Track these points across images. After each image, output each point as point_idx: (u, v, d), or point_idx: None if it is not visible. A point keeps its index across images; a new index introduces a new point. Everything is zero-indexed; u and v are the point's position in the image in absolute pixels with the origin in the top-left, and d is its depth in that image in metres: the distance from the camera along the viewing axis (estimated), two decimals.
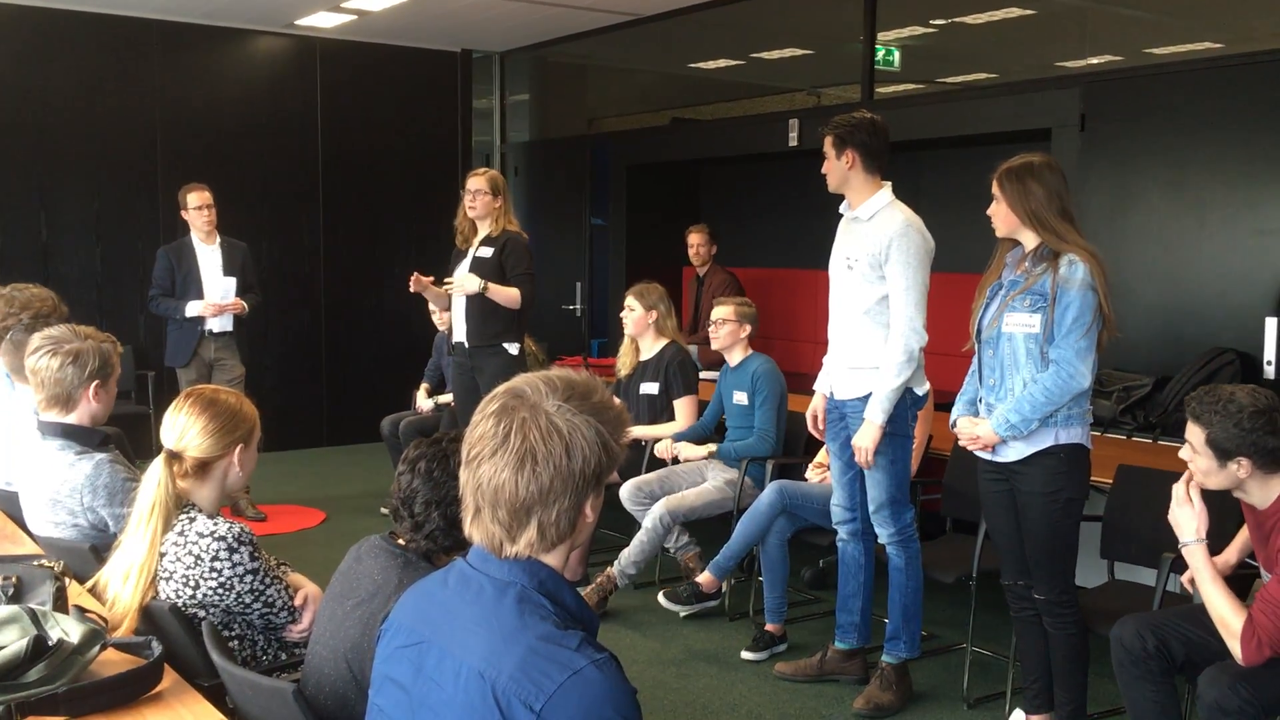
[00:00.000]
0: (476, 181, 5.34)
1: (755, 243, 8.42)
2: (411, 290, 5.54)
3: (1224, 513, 3.19)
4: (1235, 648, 2.75)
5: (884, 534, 3.97)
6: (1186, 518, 2.94)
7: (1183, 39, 6.02)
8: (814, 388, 4.17)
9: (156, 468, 2.49)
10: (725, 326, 5.00)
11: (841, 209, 3.96)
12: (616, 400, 1.63)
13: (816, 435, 4.21)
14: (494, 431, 1.55)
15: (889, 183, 3.88)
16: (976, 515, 3.98)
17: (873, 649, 4.24)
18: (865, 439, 3.80)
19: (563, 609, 1.55)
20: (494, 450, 1.54)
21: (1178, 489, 2.98)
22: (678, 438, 5.20)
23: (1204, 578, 2.86)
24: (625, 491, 4.99)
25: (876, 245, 3.77)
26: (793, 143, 7.08)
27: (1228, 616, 2.78)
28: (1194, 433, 2.94)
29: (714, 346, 5.14)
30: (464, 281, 5.19)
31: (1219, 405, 2.87)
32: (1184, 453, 2.99)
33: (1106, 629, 3.26)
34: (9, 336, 3.56)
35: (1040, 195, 3.29)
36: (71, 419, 3.00)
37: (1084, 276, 3.24)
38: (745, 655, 4.45)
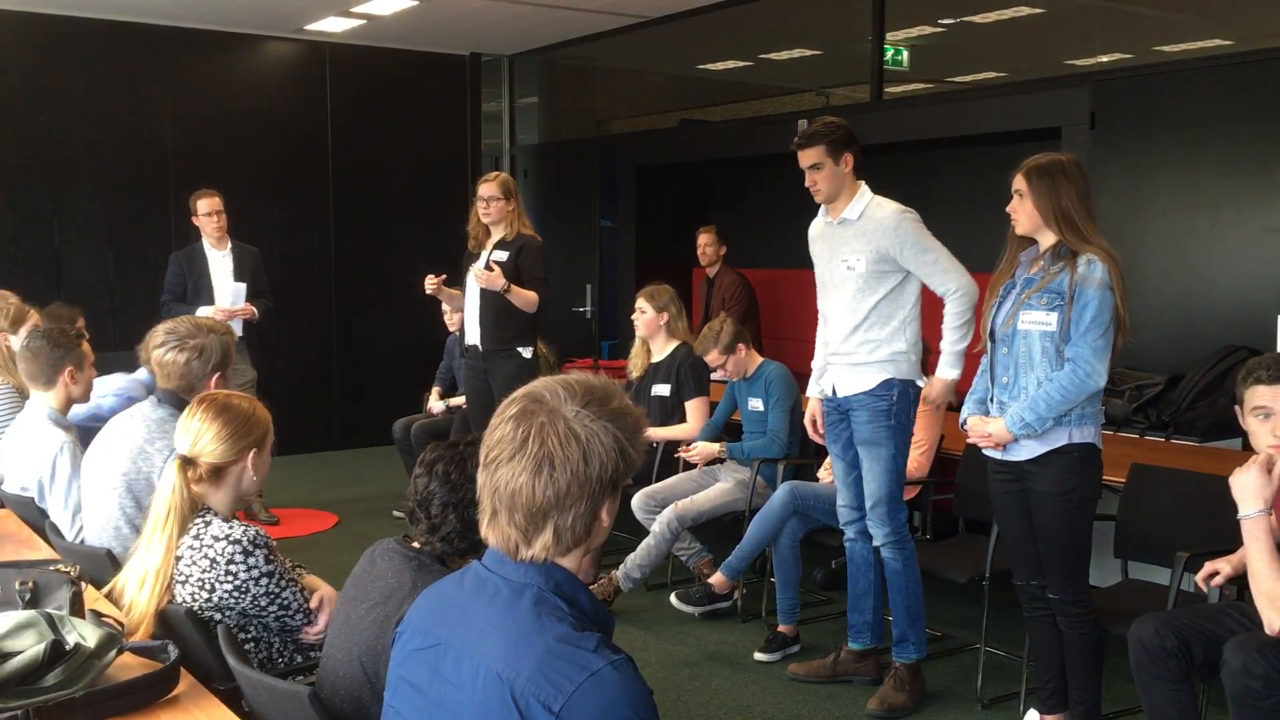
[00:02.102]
0: (488, 188, 5.33)
1: (765, 243, 8.41)
2: (428, 293, 5.53)
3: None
4: (1276, 621, 2.70)
5: (879, 535, 3.96)
6: (1256, 486, 2.83)
7: (1193, 36, 6.00)
8: (807, 394, 4.17)
9: (170, 473, 2.51)
10: (725, 363, 5.00)
11: (822, 216, 3.99)
12: (634, 406, 1.65)
13: (817, 440, 4.21)
14: (512, 435, 1.56)
15: (862, 179, 3.93)
16: (989, 515, 3.96)
17: (886, 649, 4.23)
18: (939, 394, 3.87)
19: (579, 610, 1.56)
20: (512, 454, 1.55)
21: (1257, 458, 2.89)
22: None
23: (1259, 549, 2.77)
24: (636, 501, 5.00)
25: (879, 241, 3.79)
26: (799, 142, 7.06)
27: (1278, 591, 2.72)
28: None
29: (731, 379, 5.13)
30: (492, 278, 5.13)
31: None
32: (1269, 436, 2.89)
33: (1121, 628, 3.25)
34: (26, 343, 3.60)
35: (1072, 194, 3.29)
36: None
37: (1102, 276, 3.23)
38: (758, 656, 4.45)
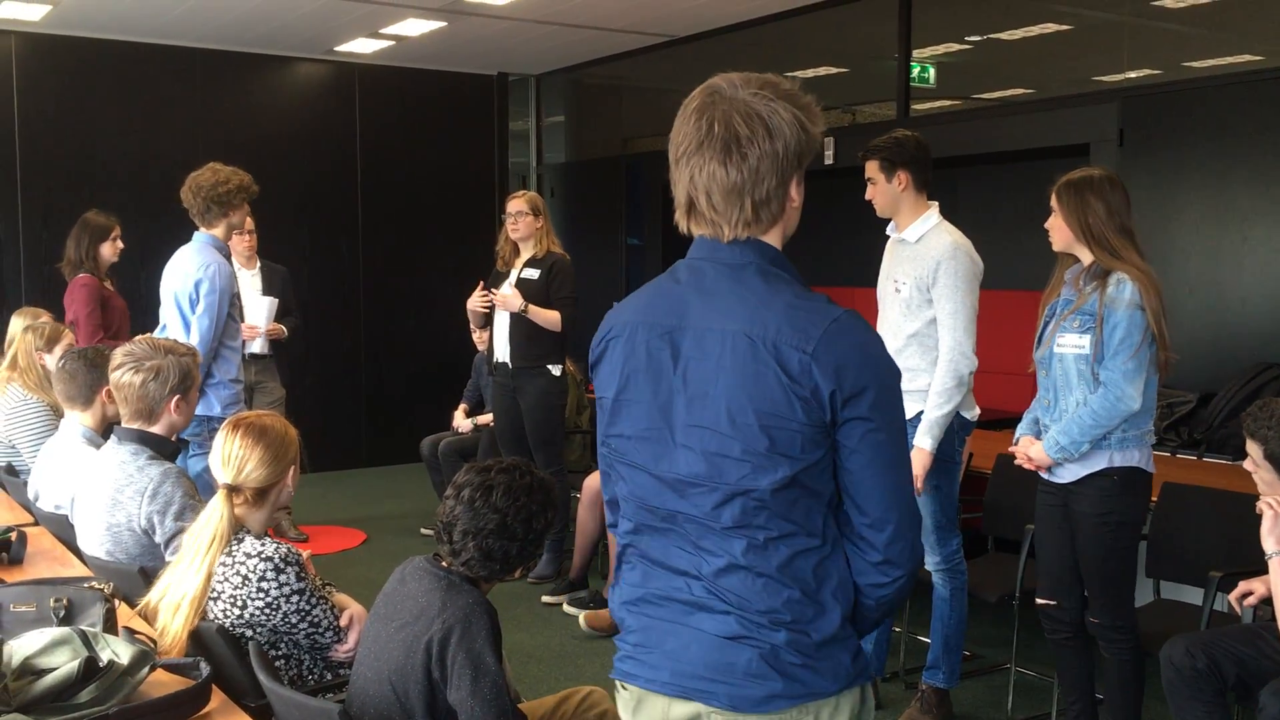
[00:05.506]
0: (517, 204, 5.39)
1: (791, 261, 8.39)
2: (480, 307, 5.42)
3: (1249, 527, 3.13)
4: None
5: (929, 561, 3.91)
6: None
7: (1221, 52, 5.97)
8: None
9: (217, 503, 2.53)
10: None
11: (889, 230, 3.91)
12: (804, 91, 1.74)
13: None
14: (696, 125, 1.65)
15: (936, 202, 3.83)
16: (1019, 534, 3.94)
17: (887, 677, 4.19)
18: (915, 466, 3.69)
19: (794, 276, 1.70)
20: (699, 143, 1.65)
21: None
22: None
23: None
24: None
25: (924, 268, 3.72)
26: (828, 161, 7.06)
27: None
28: (1252, 448, 2.94)
29: None
30: (508, 299, 5.21)
31: (1274, 421, 2.86)
32: (1247, 464, 2.99)
33: (1153, 648, 3.22)
34: (62, 364, 3.63)
35: (1100, 211, 3.24)
36: (155, 429, 3.09)
37: (1131, 296, 3.18)
38: None
